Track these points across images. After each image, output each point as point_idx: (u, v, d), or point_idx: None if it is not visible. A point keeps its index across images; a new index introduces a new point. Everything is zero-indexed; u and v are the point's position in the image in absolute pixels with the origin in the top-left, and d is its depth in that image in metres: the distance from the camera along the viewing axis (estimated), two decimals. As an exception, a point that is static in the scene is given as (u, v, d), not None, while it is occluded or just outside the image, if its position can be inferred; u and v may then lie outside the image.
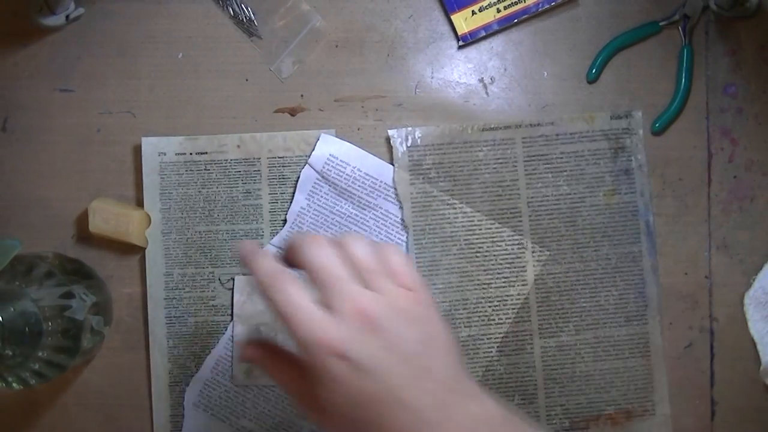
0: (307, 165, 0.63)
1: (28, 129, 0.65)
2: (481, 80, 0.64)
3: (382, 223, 0.63)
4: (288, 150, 0.64)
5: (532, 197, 0.62)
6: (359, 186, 0.63)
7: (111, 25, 0.65)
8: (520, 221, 0.62)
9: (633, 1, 0.63)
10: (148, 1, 0.65)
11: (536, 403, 0.62)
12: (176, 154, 0.64)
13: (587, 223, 0.62)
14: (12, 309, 0.53)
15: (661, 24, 0.63)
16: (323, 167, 0.63)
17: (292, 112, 0.64)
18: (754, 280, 0.62)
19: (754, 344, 0.61)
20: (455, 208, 0.62)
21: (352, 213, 0.63)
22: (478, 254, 0.62)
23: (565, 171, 0.62)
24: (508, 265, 0.62)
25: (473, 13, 0.63)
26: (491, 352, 0.62)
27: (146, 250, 0.64)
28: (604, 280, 0.62)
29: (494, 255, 0.62)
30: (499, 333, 0.62)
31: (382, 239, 0.62)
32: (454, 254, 0.62)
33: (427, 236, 0.62)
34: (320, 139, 0.63)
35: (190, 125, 0.64)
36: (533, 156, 0.62)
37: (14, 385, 0.55)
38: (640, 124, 0.62)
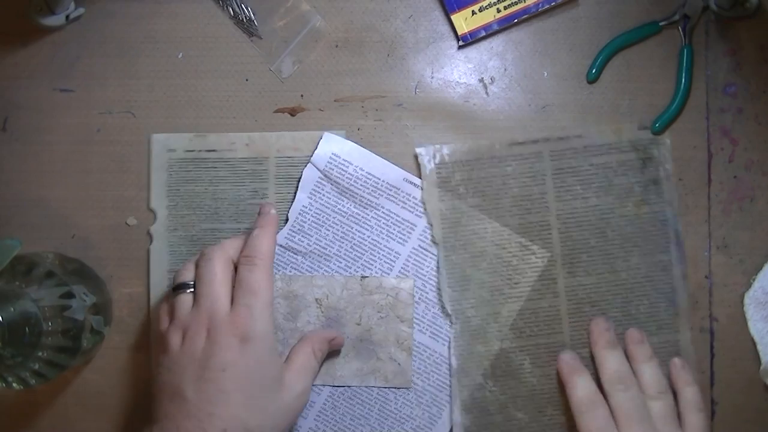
0: (309, 164, 0.63)
1: (28, 129, 0.65)
2: (481, 80, 0.64)
3: (384, 223, 0.62)
4: (297, 150, 0.63)
5: (561, 210, 0.62)
6: (362, 185, 0.62)
7: (111, 25, 0.65)
8: (550, 234, 0.62)
9: (633, 1, 0.63)
10: (148, 1, 0.65)
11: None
12: (185, 151, 0.64)
13: (617, 234, 0.62)
14: (12, 309, 0.53)
15: (661, 24, 0.63)
16: (326, 166, 0.62)
17: (292, 112, 0.64)
18: (754, 280, 0.62)
19: (754, 344, 0.61)
20: (485, 224, 0.62)
21: (354, 212, 0.63)
22: (509, 268, 0.62)
23: (594, 183, 0.62)
24: (538, 278, 0.62)
25: (473, 13, 0.63)
26: (524, 364, 0.61)
27: (151, 247, 0.64)
28: (634, 290, 0.61)
29: (524, 268, 0.62)
30: (532, 345, 0.61)
31: (384, 238, 0.62)
32: (485, 269, 0.62)
33: (457, 252, 0.62)
34: (323, 138, 0.63)
35: (190, 125, 0.64)
36: (561, 169, 0.62)
37: (14, 385, 0.55)
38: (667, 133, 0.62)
